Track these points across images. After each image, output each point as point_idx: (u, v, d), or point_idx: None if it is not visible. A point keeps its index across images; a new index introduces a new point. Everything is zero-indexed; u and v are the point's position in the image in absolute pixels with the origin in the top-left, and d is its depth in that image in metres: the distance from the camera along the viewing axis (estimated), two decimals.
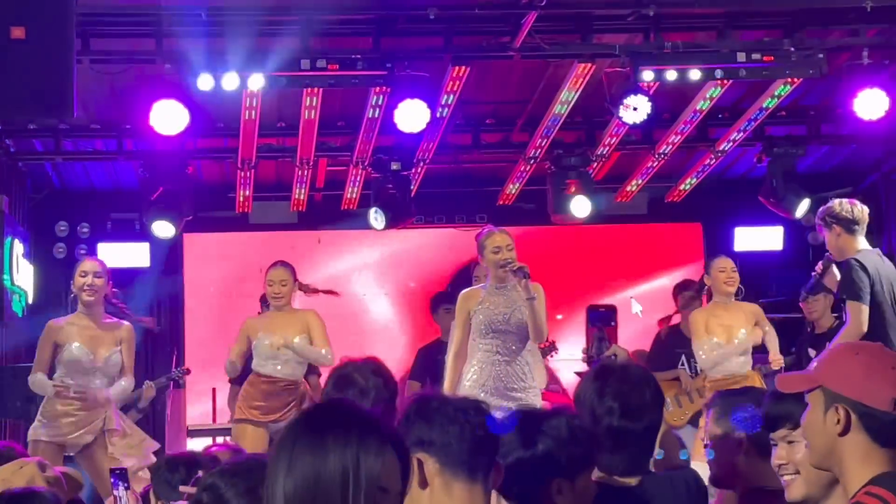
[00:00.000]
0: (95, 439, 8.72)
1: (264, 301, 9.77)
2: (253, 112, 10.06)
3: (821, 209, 8.43)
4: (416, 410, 3.23)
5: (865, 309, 7.93)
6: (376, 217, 11.69)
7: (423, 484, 3.13)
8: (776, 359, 9.36)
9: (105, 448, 8.69)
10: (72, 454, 8.86)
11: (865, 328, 7.89)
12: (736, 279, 9.36)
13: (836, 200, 8.36)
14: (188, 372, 11.43)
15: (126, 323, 9.06)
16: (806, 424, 3.36)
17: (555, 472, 3.56)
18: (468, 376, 8.04)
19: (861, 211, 8.32)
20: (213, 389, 11.62)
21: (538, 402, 8.01)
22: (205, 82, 9.15)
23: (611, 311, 5.66)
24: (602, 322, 5.60)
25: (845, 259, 8.22)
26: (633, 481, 3.83)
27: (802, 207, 12.04)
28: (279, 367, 9.09)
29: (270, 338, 9.07)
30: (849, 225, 8.24)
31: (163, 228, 11.32)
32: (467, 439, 3.13)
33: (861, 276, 7.96)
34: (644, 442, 3.89)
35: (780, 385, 3.52)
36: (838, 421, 3.26)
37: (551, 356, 10.12)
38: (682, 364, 10.07)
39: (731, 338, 9.14)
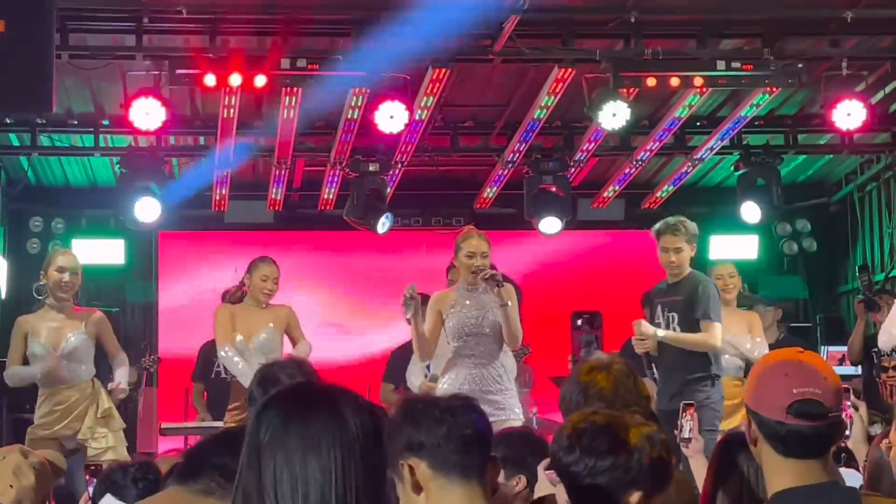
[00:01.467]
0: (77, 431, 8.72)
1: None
2: (231, 110, 10.03)
3: None
4: (403, 414, 3.19)
5: None
6: (384, 222, 11.68)
7: (418, 489, 3.08)
8: None
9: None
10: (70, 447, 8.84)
11: None
12: (734, 285, 9.18)
13: None
14: (159, 361, 11.34)
15: (98, 311, 9.02)
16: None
17: (636, 485, 3.33)
18: (445, 379, 8.03)
19: None
20: (186, 389, 11.58)
21: (516, 404, 7.97)
22: (184, 79, 9.12)
23: (595, 317, 5.65)
24: (588, 327, 5.59)
25: None
26: None
27: (777, 217, 12.10)
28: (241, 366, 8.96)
29: (239, 336, 8.96)
30: None
31: (145, 212, 11.17)
32: (455, 439, 3.09)
33: None
34: None
35: None
36: (748, 432, 3.26)
37: (526, 358, 10.10)
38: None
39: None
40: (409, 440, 3.09)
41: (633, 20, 9.24)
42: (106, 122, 11.15)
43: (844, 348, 11.60)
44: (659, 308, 8.23)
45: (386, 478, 2.64)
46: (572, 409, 3.86)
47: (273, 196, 12.43)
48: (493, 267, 7.95)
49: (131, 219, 11.08)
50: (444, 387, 7.90)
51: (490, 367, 7.93)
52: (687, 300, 8.08)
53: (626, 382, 3.92)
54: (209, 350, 10.41)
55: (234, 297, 9.14)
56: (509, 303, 7.80)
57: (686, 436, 5.28)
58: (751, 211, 11.90)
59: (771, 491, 3.21)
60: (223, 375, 9.66)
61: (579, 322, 5.75)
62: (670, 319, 8.15)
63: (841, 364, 11.30)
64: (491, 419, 7.46)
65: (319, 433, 2.49)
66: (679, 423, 5.29)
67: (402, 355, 9.88)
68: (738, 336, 9.00)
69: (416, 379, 9.00)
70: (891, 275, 12.55)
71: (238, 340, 8.82)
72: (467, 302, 7.97)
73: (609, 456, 3.30)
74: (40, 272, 8.83)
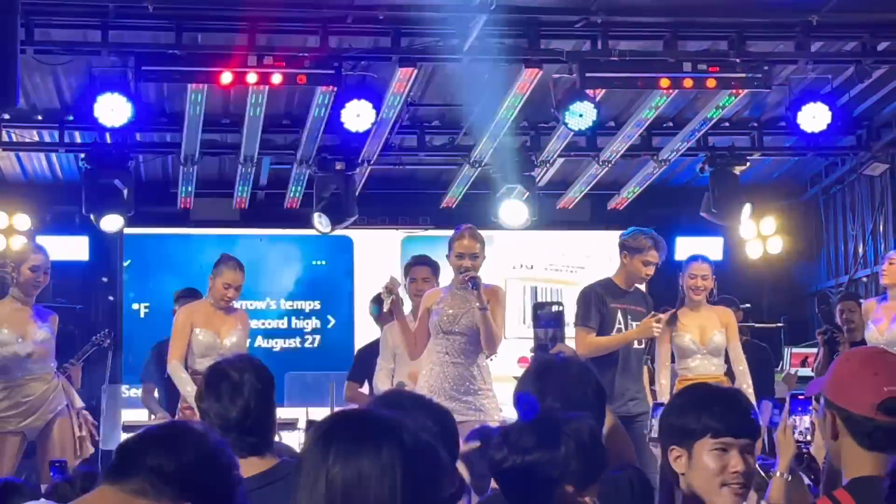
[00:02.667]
0: (52, 419, 8.68)
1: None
2: (198, 107, 10.00)
3: None
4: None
5: None
6: (320, 221, 11.65)
7: None
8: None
9: (59, 429, 8.66)
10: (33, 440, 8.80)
11: None
12: (705, 287, 9.00)
13: None
14: (110, 335, 11.20)
15: (55, 315, 9.00)
16: (818, 427, 3.54)
17: (567, 480, 3.37)
18: (423, 376, 8.03)
19: None
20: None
21: (492, 406, 7.92)
22: (149, 76, 9.09)
23: (559, 311, 5.61)
24: (548, 321, 5.55)
25: None
26: None
27: (743, 219, 12.14)
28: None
29: (210, 335, 8.92)
30: None
31: (110, 223, 11.19)
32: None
33: None
34: None
35: (807, 388, 3.78)
36: (831, 426, 3.38)
37: (489, 360, 10.07)
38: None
39: (705, 338, 8.91)
40: None
41: (599, 21, 9.26)
42: (71, 118, 11.08)
43: (808, 349, 11.67)
44: (620, 314, 8.29)
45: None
46: None
47: (239, 194, 12.40)
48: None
49: (96, 225, 11.10)
50: (420, 383, 7.92)
51: (464, 367, 7.89)
52: (648, 313, 8.33)
53: (581, 382, 3.90)
54: (163, 350, 10.38)
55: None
56: (487, 308, 7.76)
57: (655, 436, 5.27)
58: (717, 217, 11.94)
59: (848, 478, 3.29)
60: None
61: (540, 315, 5.71)
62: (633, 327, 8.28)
63: (803, 366, 11.37)
64: (459, 418, 7.50)
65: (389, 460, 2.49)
66: (649, 423, 5.29)
67: (368, 355, 9.87)
68: (712, 334, 8.94)
69: (382, 385, 8.90)
70: (855, 277, 12.63)
71: (210, 339, 8.78)
72: (452, 300, 7.97)
73: (536, 451, 3.31)
74: (8, 263, 8.80)
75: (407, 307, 8.60)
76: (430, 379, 7.89)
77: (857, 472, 3.34)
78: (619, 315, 8.30)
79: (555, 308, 5.70)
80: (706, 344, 8.86)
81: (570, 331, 7.25)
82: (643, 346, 8.42)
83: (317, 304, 13.45)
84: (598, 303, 8.30)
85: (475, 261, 7.86)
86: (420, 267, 8.97)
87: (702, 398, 3.59)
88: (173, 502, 3.02)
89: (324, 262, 13.51)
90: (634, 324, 8.31)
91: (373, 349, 9.53)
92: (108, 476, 3.06)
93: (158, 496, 3.00)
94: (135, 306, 13.14)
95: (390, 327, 8.84)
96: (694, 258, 9.22)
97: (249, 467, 3.98)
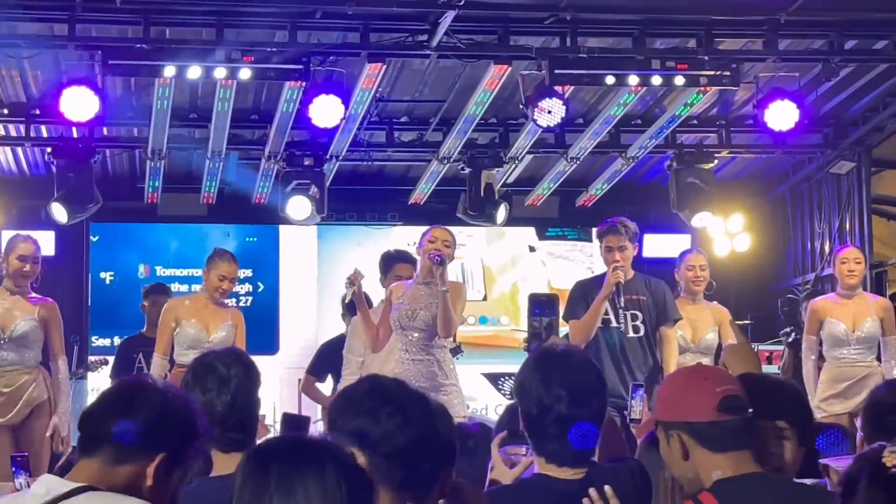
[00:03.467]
0: (32, 411, 8.60)
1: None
2: (165, 102, 9.95)
3: None
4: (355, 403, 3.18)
5: None
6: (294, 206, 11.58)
7: None
8: None
9: (41, 420, 8.59)
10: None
11: None
12: (704, 278, 9.07)
13: None
14: (105, 363, 11.17)
15: (53, 303, 8.92)
16: (665, 461, 3.55)
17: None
18: (388, 374, 8.03)
19: None
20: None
21: (454, 401, 7.91)
22: (116, 69, 9.04)
23: (553, 301, 5.66)
24: (544, 311, 5.59)
25: None
26: (579, 474, 3.78)
27: (709, 216, 12.17)
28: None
29: (197, 328, 8.85)
30: None
31: (61, 214, 11.12)
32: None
33: None
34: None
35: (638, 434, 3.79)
36: (679, 446, 3.44)
37: (457, 359, 10.06)
38: None
39: (696, 336, 8.88)
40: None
41: (568, 18, 9.27)
42: (37, 112, 11.01)
43: (775, 347, 11.72)
44: (609, 305, 8.26)
45: None
46: (533, 399, 3.83)
47: (206, 189, 12.35)
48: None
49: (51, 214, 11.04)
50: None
51: (425, 363, 7.91)
52: (649, 302, 8.25)
53: (585, 371, 3.90)
54: (129, 347, 10.33)
55: None
56: (448, 289, 7.82)
57: (636, 416, 5.28)
58: (685, 215, 11.98)
59: (709, 483, 3.33)
60: (146, 371, 9.49)
61: (535, 306, 5.74)
62: (630, 318, 8.25)
63: (769, 363, 11.41)
64: None
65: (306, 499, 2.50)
66: (629, 403, 5.31)
67: (329, 350, 9.86)
68: (705, 332, 8.91)
69: (351, 377, 8.85)
70: (821, 275, 12.68)
71: (197, 332, 8.72)
72: (409, 295, 7.99)
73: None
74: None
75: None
76: (392, 376, 7.89)
77: (716, 475, 3.40)
78: (608, 307, 8.27)
79: (549, 297, 5.74)
80: (697, 342, 8.84)
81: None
82: (640, 334, 8.34)
83: (249, 272, 13.45)
84: (583, 297, 8.28)
85: (447, 249, 7.94)
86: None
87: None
88: (151, 458, 3.03)
89: (255, 239, 13.62)
90: (628, 314, 8.28)
91: (336, 344, 9.51)
92: (81, 452, 3.07)
93: (134, 458, 3.01)
94: (101, 301, 13.11)
95: (356, 323, 8.82)
96: (689, 250, 9.37)
97: (232, 463, 3.98)
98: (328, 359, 9.65)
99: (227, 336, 8.68)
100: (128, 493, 3.02)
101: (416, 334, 7.92)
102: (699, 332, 8.89)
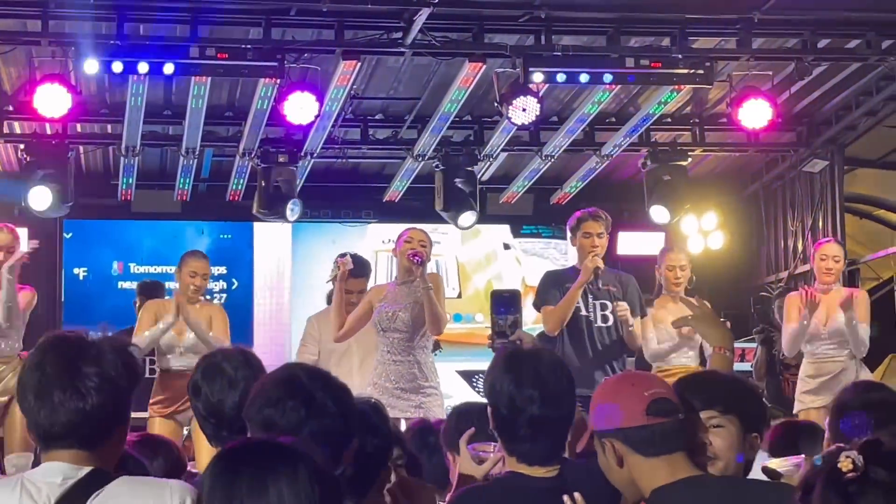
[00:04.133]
0: (11, 398, 8.58)
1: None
2: (139, 98, 9.93)
3: None
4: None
5: None
6: (293, 209, 11.57)
7: None
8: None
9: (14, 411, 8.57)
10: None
11: None
12: (685, 277, 9.08)
13: None
14: None
15: (32, 290, 8.90)
16: (603, 470, 3.54)
17: None
18: (372, 373, 8.06)
19: None
20: None
21: (433, 403, 7.91)
22: (90, 66, 9.01)
23: (515, 296, 5.66)
24: (507, 307, 5.60)
25: None
26: (552, 472, 3.78)
27: (683, 214, 12.20)
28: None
29: (168, 333, 8.83)
30: None
31: (41, 201, 11.05)
32: None
33: None
34: (562, 429, 3.85)
35: (573, 453, 3.87)
36: (613, 454, 3.46)
37: (435, 354, 10.06)
38: None
39: (681, 331, 8.83)
40: None
41: (543, 16, 9.28)
42: (10, 108, 10.97)
43: (748, 344, 11.76)
44: (581, 293, 8.29)
45: None
46: (504, 400, 3.84)
47: (181, 186, 12.32)
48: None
49: (27, 207, 10.97)
50: (367, 380, 7.98)
51: (405, 364, 7.93)
52: (619, 294, 8.31)
53: (556, 371, 3.90)
54: None
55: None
56: (431, 286, 7.85)
57: None
58: (659, 213, 12.01)
59: (647, 492, 3.35)
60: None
61: (498, 302, 5.75)
62: (599, 307, 8.28)
63: (742, 360, 11.45)
64: (399, 414, 7.48)
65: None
66: None
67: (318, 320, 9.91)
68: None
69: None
70: (794, 273, 12.73)
71: (169, 337, 8.72)
72: (390, 297, 8.03)
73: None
74: None
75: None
76: (374, 377, 7.93)
77: (653, 483, 3.40)
78: (580, 295, 8.29)
79: (512, 294, 5.74)
80: (687, 338, 8.89)
81: None
82: (608, 324, 8.36)
83: (223, 269, 13.43)
84: (556, 284, 8.31)
85: (423, 249, 8.01)
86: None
87: None
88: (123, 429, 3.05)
89: (229, 236, 13.58)
90: (598, 304, 8.31)
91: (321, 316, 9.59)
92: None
93: (98, 444, 2.99)
94: (74, 298, 13.07)
95: (318, 319, 8.79)
96: (669, 248, 9.44)
97: None
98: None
99: (197, 340, 8.68)
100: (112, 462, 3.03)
101: (396, 335, 7.96)
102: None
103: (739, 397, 3.74)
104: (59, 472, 2.98)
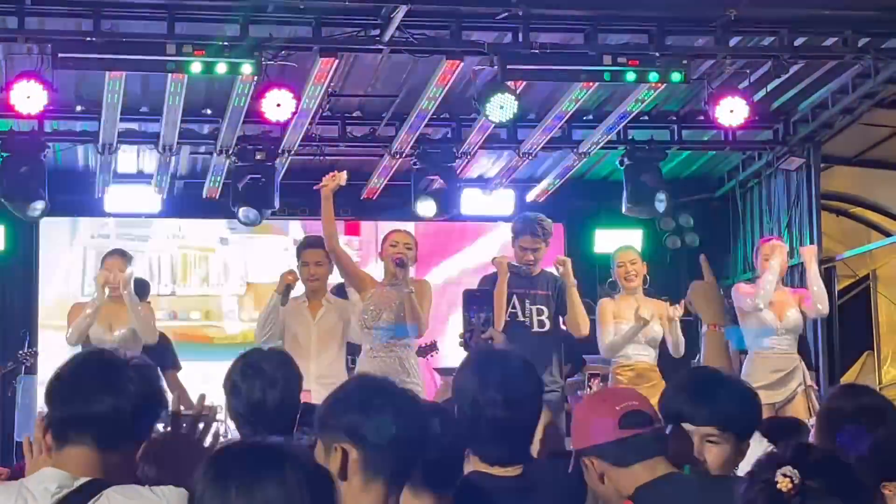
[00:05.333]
0: None
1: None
2: (116, 95, 9.90)
3: None
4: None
5: None
6: (246, 213, 11.59)
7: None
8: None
9: None
10: None
11: None
12: (637, 272, 9.07)
13: None
14: (36, 354, 11.16)
15: None
16: (591, 488, 3.59)
17: None
18: (356, 370, 8.13)
19: None
20: None
21: None
22: (66, 63, 8.98)
23: (487, 295, 5.69)
24: (477, 307, 5.63)
25: None
26: (515, 471, 3.79)
27: (661, 211, 12.22)
28: None
29: (97, 327, 8.84)
30: None
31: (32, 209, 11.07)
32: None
33: None
34: (526, 431, 3.86)
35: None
36: (594, 471, 3.49)
37: (431, 356, 10.02)
38: None
39: (644, 329, 8.88)
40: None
41: (521, 13, 9.28)
42: None
43: None
44: (515, 298, 8.33)
45: None
46: (468, 399, 3.83)
47: (158, 183, 12.29)
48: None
49: (22, 213, 10.96)
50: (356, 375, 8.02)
51: (387, 362, 8.00)
52: (553, 297, 8.44)
53: (522, 375, 3.91)
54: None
55: None
56: (413, 290, 7.88)
57: None
58: (635, 210, 12.04)
59: (630, 493, 3.38)
60: None
61: (470, 301, 5.79)
62: (536, 313, 8.34)
63: None
64: None
65: None
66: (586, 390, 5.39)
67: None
68: (651, 324, 8.93)
69: None
70: None
71: (99, 331, 8.71)
72: (375, 296, 8.08)
73: None
74: None
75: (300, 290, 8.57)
76: (357, 374, 7.97)
77: (635, 484, 3.44)
78: (515, 299, 8.35)
79: (483, 293, 5.78)
80: (645, 334, 8.91)
81: None
82: (545, 329, 8.42)
83: None
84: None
85: (408, 251, 8.05)
86: (312, 250, 8.68)
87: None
88: (137, 444, 3.10)
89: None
90: (535, 308, 8.37)
91: None
92: (58, 439, 3.08)
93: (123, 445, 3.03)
94: (51, 295, 13.01)
95: (287, 312, 8.68)
96: (618, 248, 9.40)
97: None
98: None
99: (127, 333, 8.68)
100: (119, 480, 3.03)
101: (380, 333, 8.04)
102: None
103: (742, 415, 3.74)
104: (55, 479, 2.99)
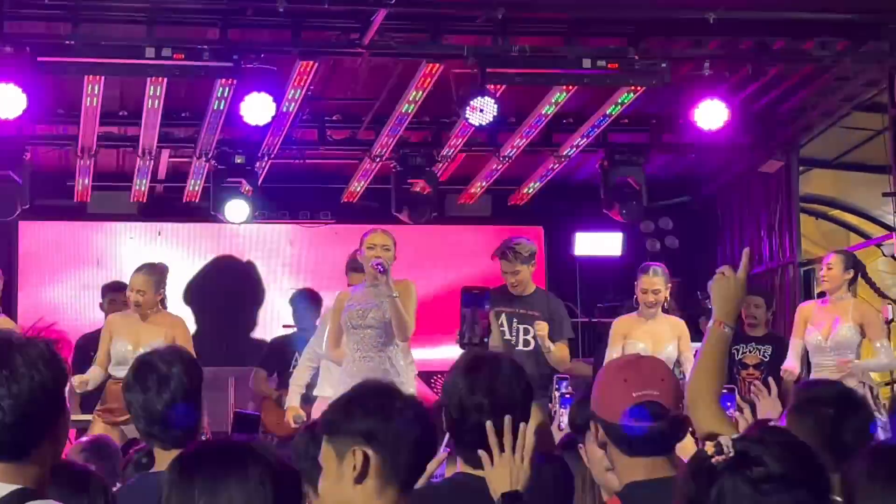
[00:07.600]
0: None
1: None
2: (94, 99, 9.88)
3: None
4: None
5: None
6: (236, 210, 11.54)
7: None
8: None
9: None
10: None
11: None
12: (657, 300, 9.06)
13: None
14: None
15: None
16: (586, 449, 3.62)
17: None
18: (341, 370, 8.08)
19: None
20: None
21: None
22: (45, 67, 8.95)
23: (484, 293, 5.71)
24: (475, 304, 5.65)
25: None
26: None
27: (641, 214, 12.24)
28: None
29: (125, 344, 8.82)
30: None
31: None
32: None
33: None
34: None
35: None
36: (596, 435, 3.48)
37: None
38: None
39: (657, 349, 8.81)
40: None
41: (500, 17, 9.28)
42: None
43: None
44: (504, 318, 8.37)
45: None
46: (455, 402, 3.82)
47: (137, 187, 12.26)
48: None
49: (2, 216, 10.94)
50: (338, 376, 8.00)
51: (376, 361, 7.97)
52: (544, 318, 8.49)
53: (510, 381, 3.90)
54: (87, 345, 10.25)
55: None
56: (397, 294, 7.84)
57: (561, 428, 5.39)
58: (616, 213, 12.06)
59: (623, 484, 3.34)
60: None
61: (466, 298, 5.81)
62: (522, 332, 8.37)
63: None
64: None
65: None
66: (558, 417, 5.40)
67: (283, 344, 9.86)
68: (665, 345, 8.97)
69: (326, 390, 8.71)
70: (752, 273, 12.77)
71: (124, 349, 8.71)
72: (359, 297, 8.05)
73: None
74: None
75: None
76: (344, 375, 7.95)
77: (628, 477, 3.39)
78: (504, 319, 8.40)
79: (480, 290, 5.80)
80: (659, 354, 8.85)
81: None
82: (529, 348, 8.47)
83: None
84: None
85: (386, 253, 7.97)
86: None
87: None
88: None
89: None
90: (521, 328, 8.41)
91: (287, 339, 9.55)
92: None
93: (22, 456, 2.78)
94: (30, 300, 12.96)
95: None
96: (644, 270, 9.30)
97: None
98: (280, 351, 9.71)
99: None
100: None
101: (367, 332, 7.99)
102: (659, 345, 8.96)
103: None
104: None
